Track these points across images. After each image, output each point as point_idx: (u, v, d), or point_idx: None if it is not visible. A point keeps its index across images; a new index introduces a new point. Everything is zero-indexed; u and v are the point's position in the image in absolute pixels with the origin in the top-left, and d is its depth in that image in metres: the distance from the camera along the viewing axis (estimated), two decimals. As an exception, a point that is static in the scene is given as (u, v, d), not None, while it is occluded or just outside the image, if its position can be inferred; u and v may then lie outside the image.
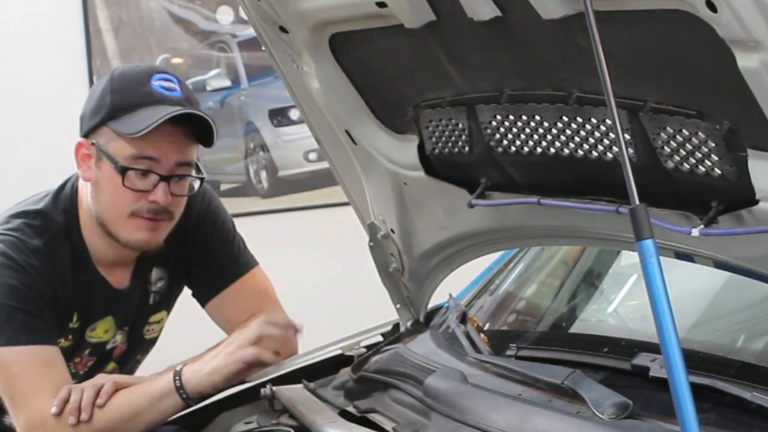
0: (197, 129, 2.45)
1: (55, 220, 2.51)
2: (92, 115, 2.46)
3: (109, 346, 2.64)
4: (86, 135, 2.48)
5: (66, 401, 2.36)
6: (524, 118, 1.96)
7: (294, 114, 5.11)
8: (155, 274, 2.64)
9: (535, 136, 1.96)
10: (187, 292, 2.75)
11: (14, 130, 4.72)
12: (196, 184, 2.53)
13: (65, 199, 2.53)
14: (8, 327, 2.40)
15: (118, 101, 2.43)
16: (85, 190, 2.51)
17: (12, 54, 4.78)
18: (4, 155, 4.71)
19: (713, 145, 1.67)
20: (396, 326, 2.65)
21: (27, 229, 2.48)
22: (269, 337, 2.44)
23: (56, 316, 2.48)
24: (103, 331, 2.60)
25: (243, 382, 2.49)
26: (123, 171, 2.41)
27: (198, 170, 2.53)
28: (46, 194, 2.56)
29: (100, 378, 2.42)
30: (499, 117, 2.00)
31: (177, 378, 2.38)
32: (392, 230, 2.49)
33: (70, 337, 2.54)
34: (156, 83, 2.44)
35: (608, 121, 1.82)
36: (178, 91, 2.45)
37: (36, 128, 4.66)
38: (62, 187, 2.56)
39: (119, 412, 2.37)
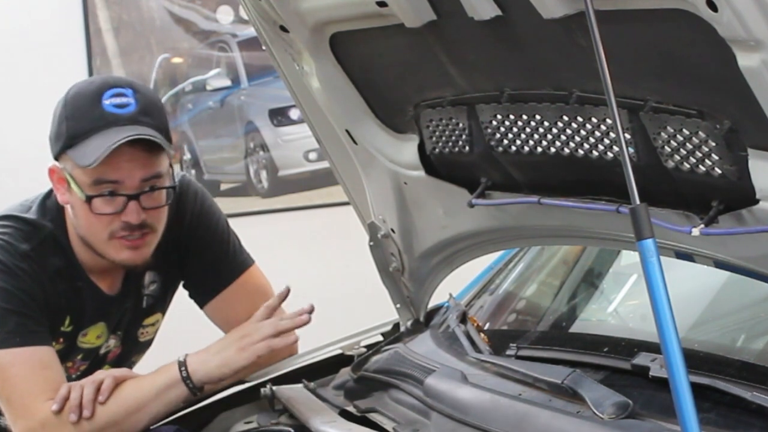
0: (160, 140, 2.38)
1: (44, 227, 2.48)
2: (54, 141, 2.43)
3: (102, 351, 2.63)
4: (56, 159, 2.44)
5: (66, 399, 2.35)
6: (525, 117, 1.96)
7: (294, 114, 5.11)
8: (148, 277, 2.62)
9: (536, 136, 1.96)
10: (183, 293, 2.74)
11: (14, 130, 4.72)
12: (170, 193, 2.45)
13: (52, 207, 2.51)
14: (2, 329, 2.39)
15: (71, 129, 2.38)
16: (68, 209, 2.48)
17: (12, 54, 4.78)
18: (3, 155, 4.71)
19: (714, 144, 1.67)
20: (396, 326, 2.65)
21: (15, 233, 2.46)
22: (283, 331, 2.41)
23: (48, 316, 2.46)
24: (95, 337, 2.59)
25: (242, 382, 2.49)
26: (88, 200, 2.38)
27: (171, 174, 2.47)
28: (32, 200, 2.54)
29: (100, 374, 2.41)
30: (499, 116, 2.00)
31: (183, 368, 2.36)
32: (392, 230, 2.49)
33: (62, 340, 2.53)
34: (107, 102, 2.37)
35: (609, 121, 1.82)
36: (132, 105, 2.38)
37: (36, 128, 4.65)
38: (49, 194, 2.53)
39: (124, 405, 2.35)
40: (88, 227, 2.43)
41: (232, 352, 2.38)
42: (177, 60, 5.14)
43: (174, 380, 2.36)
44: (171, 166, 2.47)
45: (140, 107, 2.39)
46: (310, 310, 2.42)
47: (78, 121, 2.38)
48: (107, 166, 2.35)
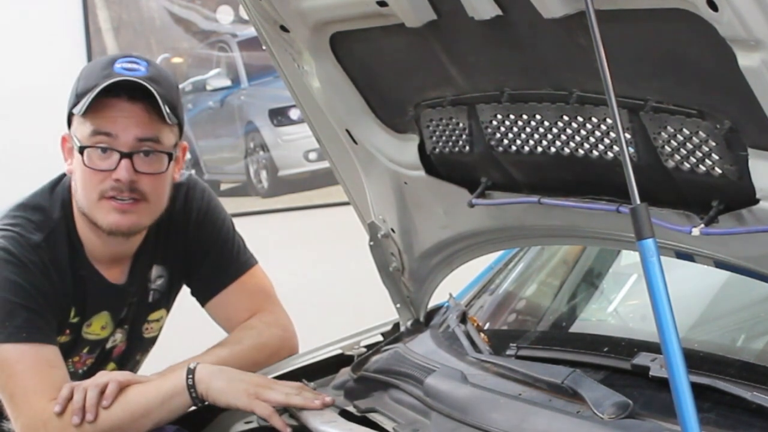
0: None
1: (54, 215, 2.50)
2: (67, 106, 2.47)
3: (108, 345, 2.63)
4: (69, 126, 2.48)
5: (68, 400, 2.34)
6: (525, 117, 1.96)
7: (294, 113, 5.11)
8: (155, 271, 2.64)
9: (536, 136, 1.96)
10: (186, 290, 2.75)
11: (14, 130, 4.72)
12: (170, 163, 2.46)
13: (61, 193, 2.53)
14: (10, 323, 2.39)
15: (80, 87, 2.43)
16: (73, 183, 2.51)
17: (12, 54, 4.78)
18: (3, 155, 4.71)
19: (714, 144, 1.67)
20: (396, 326, 2.65)
21: (27, 224, 2.47)
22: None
23: (56, 312, 2.47)
24: (100, 327, 2.59)
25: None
26: (81, 150, 2.40)
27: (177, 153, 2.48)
28: (40, 190, 2.55)
29: (103, 376, 2.39)
30: (499, 116, 2.00)
31: (190, 376, 2.34)
32: (392, 230, 2.49)
33: (68, 332, 2.53)
34: (119, 65, 2.42)
35: (609, 121, 1.82)
36: (142, 71, 2.42)
37: (36, 128, 4.66)
38: (57, 181, 2.56)
39: (128, 411, 2.34)
40: (82, 187, 2.44)
41: (240, 389, 2.32)
42: (177, 60, 5.14)
43: (179, 388, 2.34)
44: (176, 146, 2.48)
45: (150, 74, 2.43)
46: (329, 404, 2.30)
47: (87, 80, 2.43)
48: (103, 117, 2.38)
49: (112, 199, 2.42)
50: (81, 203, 2.47)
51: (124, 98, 2.38)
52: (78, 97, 2.42)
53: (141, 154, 2.41)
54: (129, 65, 2.43)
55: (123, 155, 2.39)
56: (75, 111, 2.42)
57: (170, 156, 2.45)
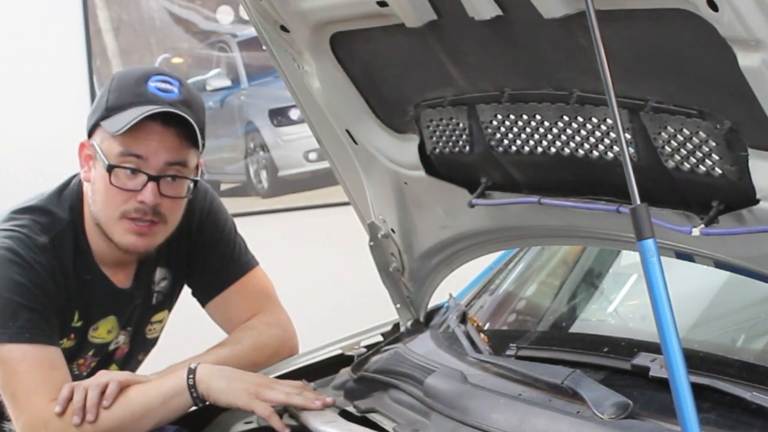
0: (194, 131, 2.43)
1: (62, 217, 2.51)
2: (92, 115, 2.48)
3: (111, 347, 2.63)
4: (89, 135, 2.48)
5: (68, 400, 2.34)
6: (525, 117, 1.96)
7: (294, 114, 5.11)
8: (159, 274, 2.64)
9: (536, 136, 1.96)
10: (186, 291, 2.75)
11: (14, 130, 4.72)
12: (190, 187, 2.49)
13: (71, 196, 2.53)
14: (13, 324, 2.39)
15: (113, 101, 2.43)
16: (87, 191, 2.51)
17: (12, 54, 4.78)
18: (4, 155, 4.71)
19: (714, 144, 1.67)
20: (396, 326, 2.65)
21: (34, 225, 2.48)
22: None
23: (59, 315, 2.47)
24: (106, 332, 2.59)
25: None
26: (110, 169, 2.40)
27: (196, 174, 2.51)
28: (48, 192, 2.56)
29: (104, 376, 2.39)
30: (499, 116, 2.00)
31: (191, 376, 2.34)
32: (392, 230, 2.49)
33: (73, 336, 2.53)
34: (152, 84, 2.43)
35: (609, 121, 1.82)
36: (176, 93, 2.43)
37: (36, 128, 4.66)
38: (66, 185, 2.56)
39: (129, 411, 2.34)
40: (103, 202, 2.44)
41: (240, 388, 2.32)
42: (177, 60, 5.14)
43: (180, 388, 2.34)
44: (197, 168, 2.50)
45: (183, 98, 2.44)
46: (330, 404, 2.30)
47: (120, 94, 2.43)
48: (136, 139, 2.39)
49: (132, 221, 2.43)
50: (98, 216, 2.47)
51: (158, 122, 2.39)
52: (108, 111, 2.42)
53: (168, 178, 2.42)
54: (163, 85, 2.43)
55: (151, 178, 2.40)
56: (107, 127, 2.41)
57: (195, 182, 2.48)
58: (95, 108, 2.47)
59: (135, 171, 2.41)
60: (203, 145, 2.49)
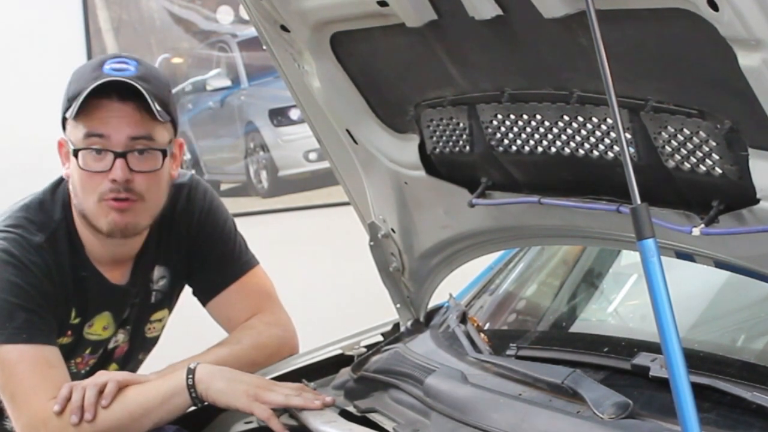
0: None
1: (55, 216, 2.51)
2: (61, 111, 2.48)
3: (110, 346, 2.64)
4: (64, 132, 2.49)
5: (67, 399, 2.34)
6: (525, 117, 1.96)
7: (294, 114, 5.11)
8: (157, 272, 2.64)
9: (536, 136, 1.96)
10: (187, 290, 2.75)
11: (14, 130, 4.72)
12: (163, 160, 2.45)
13: (62, 195, 2.53)
14: (9, 324, 2.39)
15: (72, 90, 2.43)
16: (70, 187, 2.51)
17: (12, 54, 4.78)
18: (4, 155, 4.71)
19: (714, 144, 1.67)
20: (396, 326, 2.65)
21: (29, 225, 2.48)
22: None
23: (56, 313, 2.47)
24: (102, 328, 2.59)
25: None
26: (76, 153, 2.41)
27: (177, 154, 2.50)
28: (42, 191, 2.56)
29: (102, 376, 2.39)
30: (500, 116, 2.00)
31: (190, 376, 2.34)
32: (393, 230, 2.49)
33: (70, 333, 2.54)
34: (108, 66, 2.43)
35: (609, 121, 1.82)
36: (131, 71, 2.42)
37: (36, 128, 4.66)
38: (58, 183, 2.56)
39: (127, 410, 2.34)
40: (81, 190, 2.44)
41: (240, 390, 2.32)
42: (177, 60, 5.14)
43: (179, 388, 2.34)
44: (172, 143, 2.48)
45: (139, 73, 2.43)
46: (329, 404, 2.31)
47: (77, 83, 2.44)
48: (95, 119, 2.39)
49: (109, 200, 2.42)
50: (81, 206, 2.47)
51: (114, 98, 2.39)
52: (69, 101, 2.42)
53: (135, 152, 2.41)
54: (118, 65, 2.43)
55: (117, 155, 2.40)
56: (67, 115, 2.42)
57: (164, 153, 2.46)
58: (62, 104, 2.47)
59: (101, 151, 2.40)
60: (174, 122, 2.48)
